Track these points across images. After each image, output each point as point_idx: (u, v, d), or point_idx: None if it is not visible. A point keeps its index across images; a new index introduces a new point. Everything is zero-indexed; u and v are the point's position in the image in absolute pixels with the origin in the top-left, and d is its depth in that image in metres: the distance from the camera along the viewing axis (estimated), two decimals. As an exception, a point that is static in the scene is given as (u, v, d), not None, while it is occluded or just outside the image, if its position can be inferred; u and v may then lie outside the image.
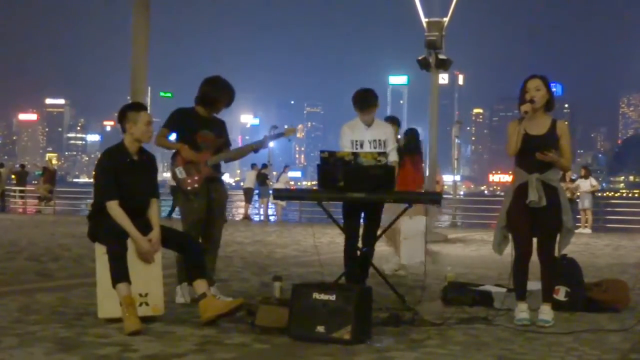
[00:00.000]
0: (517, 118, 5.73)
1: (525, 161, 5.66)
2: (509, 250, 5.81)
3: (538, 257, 5.69)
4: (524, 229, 5.67)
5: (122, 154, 5.54)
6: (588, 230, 20.16)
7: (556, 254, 5.80)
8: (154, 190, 5.72)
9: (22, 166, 33.39)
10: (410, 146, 9.32)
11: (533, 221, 5.63)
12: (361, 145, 6.83)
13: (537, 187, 5.57)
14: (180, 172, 6.27)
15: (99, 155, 5.75)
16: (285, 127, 6.82)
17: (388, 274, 7.61)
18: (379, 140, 6.86)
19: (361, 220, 6.88)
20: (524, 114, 5.60)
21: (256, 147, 6.61)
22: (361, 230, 6.86)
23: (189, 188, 6.24)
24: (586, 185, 20.84)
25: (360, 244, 6.80)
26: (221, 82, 6.45)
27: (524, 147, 5.62)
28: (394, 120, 8.83)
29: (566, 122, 6.02)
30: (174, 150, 6.39)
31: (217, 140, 6.41)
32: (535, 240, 5.72)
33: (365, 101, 6.86)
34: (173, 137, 6.40)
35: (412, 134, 9.61)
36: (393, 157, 6.85)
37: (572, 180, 21.00)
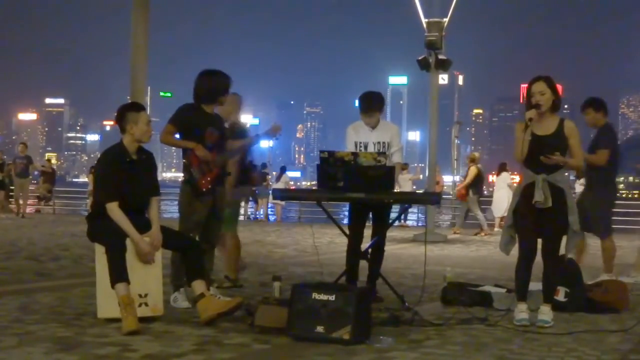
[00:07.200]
0: (522, 120, 5.71)
1: (532, 162, 5.63)
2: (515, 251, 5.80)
3: (542, 257, 5.69)
4: (528, 229, 5.66)
5: (122, 154, 5.53)
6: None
7: (568, 255, 5.80)
8: (154, 188, 5.72)
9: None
10: None
11: (539, 222, 5.62)
12: (365, 147, 6.79)
13: (544, 188, 5.56)
14: (196, 172, 6.15)
15: (99, 156, 5.75)
16: (272, 124, 6.73)
17: None
18: (384, 142, 6.82)
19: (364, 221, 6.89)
20: (528, 121, 5.58)
21: (249, 143, 6.57)
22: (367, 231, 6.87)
23: (204, 189, 6.19)
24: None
25: (366, 244, 6.82)
26: (218, 71, 6.36)
27: (532, 147, 5.59)
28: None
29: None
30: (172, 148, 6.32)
31: (220, 138, 6.36)
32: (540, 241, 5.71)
33: (368, 104, 6.82)
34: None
35: None
36: (397, 159, 6.83)
37: None
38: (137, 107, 5.73)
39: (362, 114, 6.85)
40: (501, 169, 19.51)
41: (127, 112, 5.58)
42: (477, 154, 18.97)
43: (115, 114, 5.62)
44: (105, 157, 5.59)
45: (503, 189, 18.37)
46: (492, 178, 21.84)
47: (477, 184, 17.84)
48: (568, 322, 5.78)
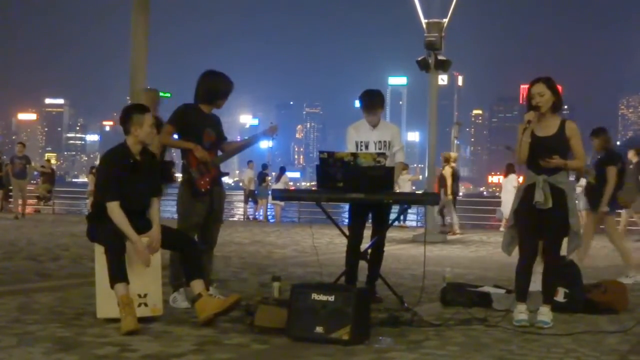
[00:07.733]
0: (522, 121, 5.73)
1: (534, 163, 5.64)
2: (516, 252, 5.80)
3: (543, 258, 5.69)
4: (529, 230, 5.66)
5: (125, 154, 5.52)
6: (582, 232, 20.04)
7: (568, 257, 5.81)
8: (157, 189, 5.72)
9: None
10: None
11: (539, 223, 5.62)
12: (366, 147, 6.80)
13: (544, 188, 5.56)
14: (194, 173, 6.14)
15: (101, 156, 5.74)
16: (270, 123, 6.71)
17: None
18: (384, 141, 6.83)
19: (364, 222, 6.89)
20: (527, 123, 5.59)
21: (247, 143, 6.55)
22: (367, 231, 6.87)
23: (203, 190, 6.18)
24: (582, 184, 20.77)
25: (366, 244, 6.81)
26: (222, 73, 6.36)
27: (533, 148, 5.60)
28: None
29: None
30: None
31: (217, 139, 6.35)
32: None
33: (371, 101, 6.84)
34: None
35: None
36: (400, 158, 6.86)
37: None
38: (142, 109, 5.71)
39: (365, 111, 6.86)
40: (508, 170, 19.46)
41: (132, 113, 5.57)
42: (453, 154, 18.91)
43: (120, 115, 5.61)
44: (108, 156, 5.59)
45: (511, 192, 18.36)
46: (491, 179, 21.85)
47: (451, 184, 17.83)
48: (567, 323, 5.79)
